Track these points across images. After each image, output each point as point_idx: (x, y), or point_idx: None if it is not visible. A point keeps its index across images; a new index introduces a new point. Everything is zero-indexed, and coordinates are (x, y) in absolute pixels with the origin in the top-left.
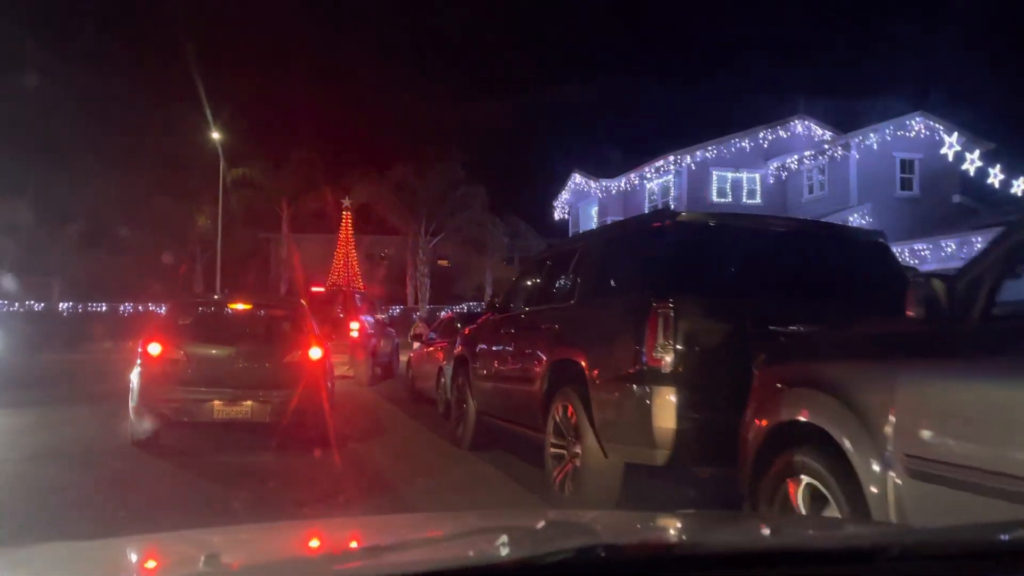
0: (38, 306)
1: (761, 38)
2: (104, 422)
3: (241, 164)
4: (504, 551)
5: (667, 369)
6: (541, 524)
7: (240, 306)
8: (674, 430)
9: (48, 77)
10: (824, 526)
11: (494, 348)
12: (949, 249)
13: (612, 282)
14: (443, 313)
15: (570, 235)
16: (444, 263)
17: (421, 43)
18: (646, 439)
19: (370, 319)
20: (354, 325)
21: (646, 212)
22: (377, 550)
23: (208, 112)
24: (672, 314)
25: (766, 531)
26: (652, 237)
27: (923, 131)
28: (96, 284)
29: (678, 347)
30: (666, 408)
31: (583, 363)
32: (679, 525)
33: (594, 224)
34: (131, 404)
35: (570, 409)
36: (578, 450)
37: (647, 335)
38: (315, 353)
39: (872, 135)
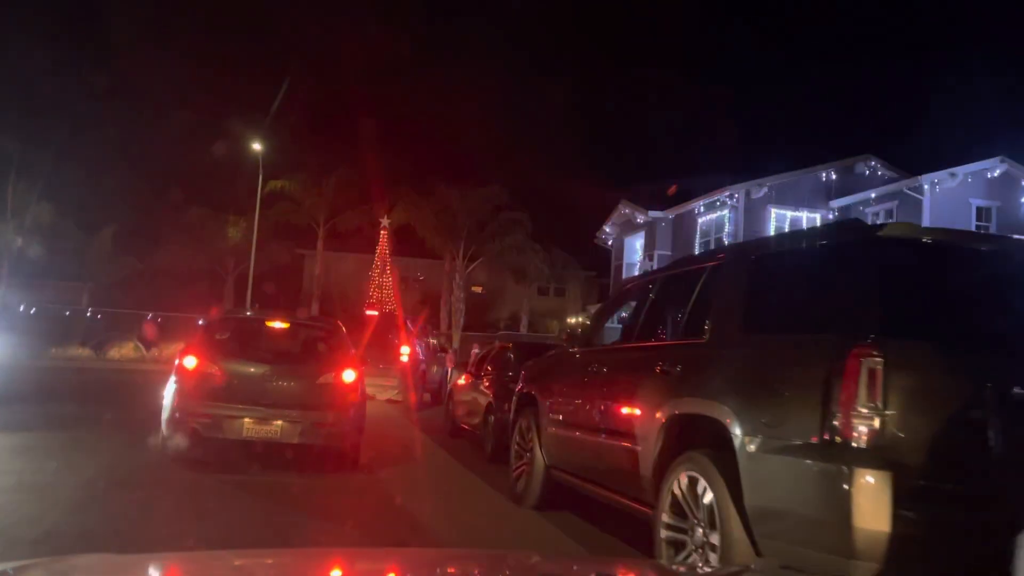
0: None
1: (827, 72)
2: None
3: (280, 177)
4: None
5: (872, 442)
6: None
7: (277, 324)
8: (887, 534)
9: (86, 82)
10: None
11: (576, 389)
12: None
13: (774, 315)
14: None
15: (613, 268)
16: (478, 289)
17: (474, 66)
18: (838, 544)
19: (421, 344)
20: (404, 349)
21: (831, 223)
22: None
23: (250, 123)
24: (882, 363)
25: None
26: (843, 257)
27: (1003, 177)
28: (127, 291)
29: (889, 411)
30: (877, 500)
31: (725, 421)
32: None
33: (639, 258)
34: (164, 416)
35: (700, 483)
36: (712, 539)
37: (842, 391)
38: (349, 376)
39: (949, 178)
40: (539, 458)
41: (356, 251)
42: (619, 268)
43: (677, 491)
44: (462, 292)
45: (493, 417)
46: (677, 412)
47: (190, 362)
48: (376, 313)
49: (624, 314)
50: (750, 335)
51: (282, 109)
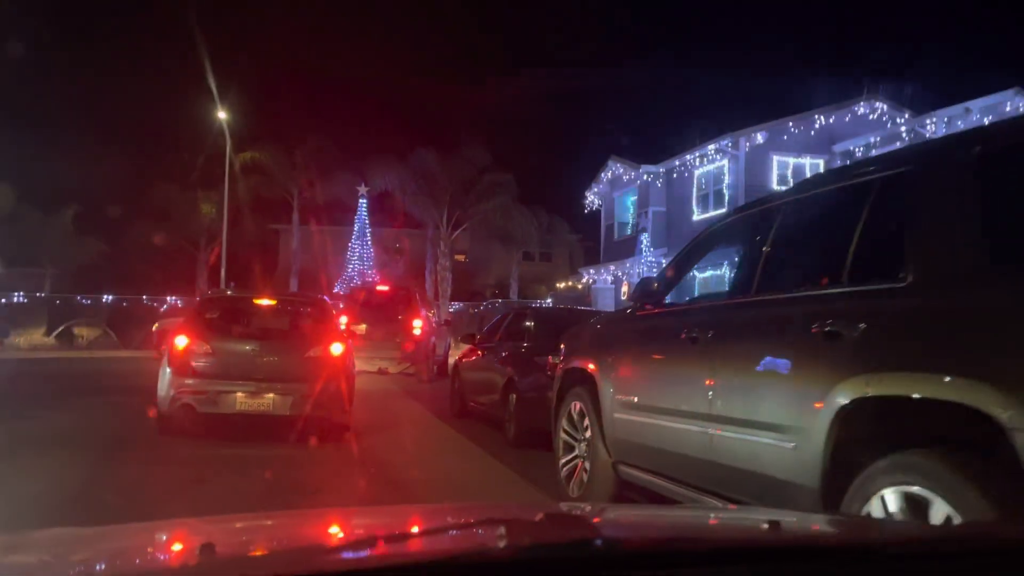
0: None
1: (822, 10)
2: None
3: (250, 149)
4: (501, 543)
5: None
6: (540, 517)
7: (265, 302)
8: None
9: (41, 50)
10: (827, 524)
11: (664, 363)
12: None
13: None
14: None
15: (604, 228)
16: (461, 258)
17: (446, 21)
18: None
19: (425, 316)
20: (416, 323)
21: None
22: (369, 540)
23: (215, 91)
24: None
25: (765, 526)
26: None
27: (1019, 110)
28: (91, 274)
29: None
30: None
31: (990, 410)
32: (679, 519)
33: (631, 217)
34: (159, 394)
35: (934, 505)
36: None
37: None
38: (336, 348)
39: (964, 113)
40: (601, 452)
41: (335, 224)
42: (610, 227)
43: (892, 505)
44: (448, 261)
45: (515, 396)
46: (871, 394)
47: (181, 341)
48: (387, 288)
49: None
50: (1000, 273)
51: (249, 77)
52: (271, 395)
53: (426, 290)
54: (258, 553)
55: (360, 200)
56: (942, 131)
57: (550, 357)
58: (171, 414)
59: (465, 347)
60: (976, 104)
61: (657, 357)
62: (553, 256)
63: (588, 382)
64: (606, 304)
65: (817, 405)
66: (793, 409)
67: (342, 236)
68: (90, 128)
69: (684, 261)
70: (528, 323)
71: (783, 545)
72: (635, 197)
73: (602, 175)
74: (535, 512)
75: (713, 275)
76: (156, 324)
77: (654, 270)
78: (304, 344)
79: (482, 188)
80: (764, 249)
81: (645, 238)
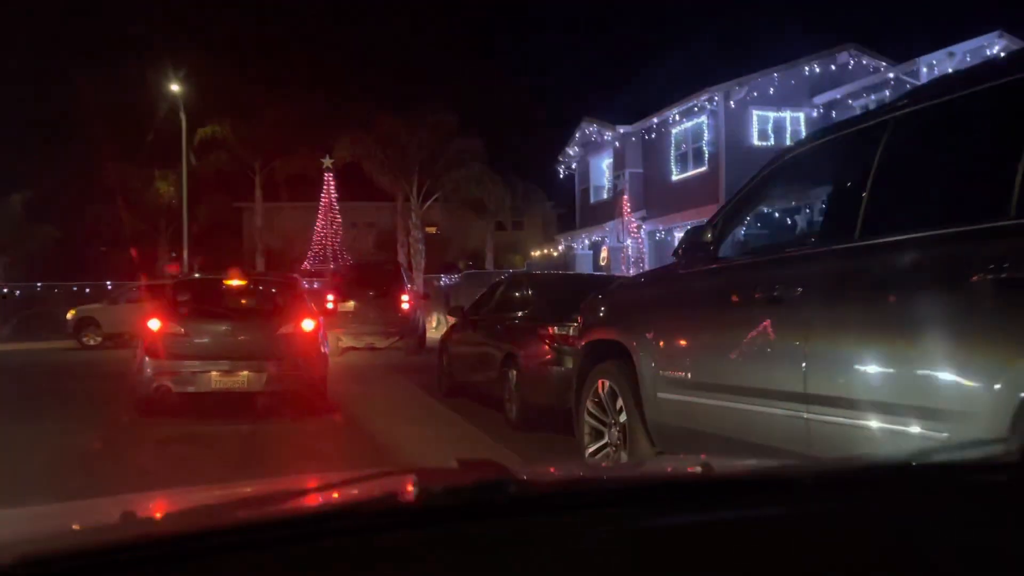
0: None
1: None
2: None
3: (208, 124)
4: (408, 491)
5: None
6: (454, 464)
7: (236, 282)
8: None
9: None
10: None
11: (730, 331)
12: None
13: None
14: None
15: (579, 192)
16: (432, 230)
17: None
18: None
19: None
20: (404, 297)
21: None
22: (271, 497)
23: (170, 64)
24: None
25: (699, 468)
26: None
27: (1003, 53)
28: (50, 262)
29: None
30: None
31: None
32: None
33: (607, 180)
34: (137, 377)
35: None
36: None
37: None
38: (307, 325)
39: (947, 58)
40: (642, 440)
41: (300, 199)
42: (585, 192)
43: None
44: (420, 232)
45: (516, 372)
46: None
47: (155, 324)
48: (373, 264)
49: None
50: None
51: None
52: (245, 372)
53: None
54: (158, 516)
55: (326, 173)
56: (924, 80)
57: (552, 327)
58: (148, 396)
59: (452, 321)
60: (959, 48)
61: (719, 323)
62: (526, 224)
63: (620, 356)
64: (583, 271)
65: (990, 383)
66: (946, 388)
67: (309, 212)
68: (36, 108)
69: (744, 204)
70: (525, 291)
71: (694, 481)
72: (611, 159)
73: (575, 138)
74: (449, 463)
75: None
76: (72, 312)
77: (634, 234)
78: (275, 322)
79: (452, 156)
80: (870, 178)
81: (625, 200)
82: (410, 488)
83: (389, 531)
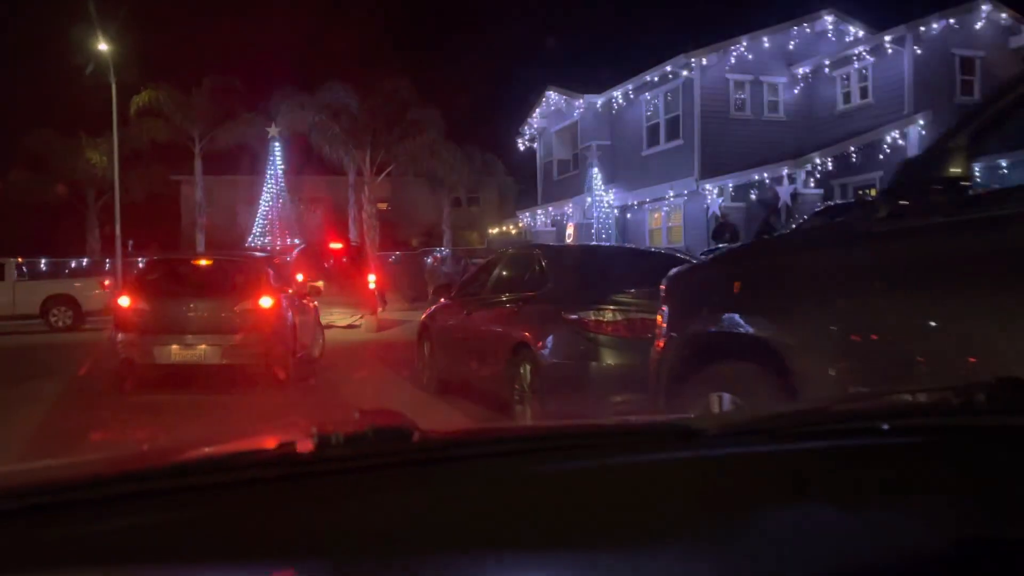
0: None
1: None
2: None
3: (143, 89)
4: (311, 442)
5: None
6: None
7: (202, 262)
8: None
9: None
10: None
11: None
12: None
13: None
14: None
15: (541, 166)
16: (383, 206)
17: None
18: None
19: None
20: (371, 277)
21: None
22: (176, 450)
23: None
24: None
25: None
26: None
27: (989, 23)
28: None
29: None
30: None
31: None
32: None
33: (572, 153)
34: (108, 349)
35: None
36: None
37: None
38: (265, 302)
39: (934, 26)
40: None
41: (244, 172)
42: (548, 165)
43: None
44: (374, 208)
45: (532, 366)
46: None
47: (124, 301)
48: (340, 246)
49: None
50: None
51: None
52: (203, 346)
53: (350, 241)
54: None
55: (272, 144)
56: (908, 46)
57: (585, 311)
58: (117, 367)
59: (437, 303)
60: (944, 16)
61: (997, 308)
62: (483, 200)
63: (755, 359)
64: None
65: None
66: None
67: (253, 186)
68: None
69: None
70: (538, 266)
71: (601, 431)
72: (577, 131)
73: (539, 108)
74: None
75: None
76: None
77: (605, 210)
78: (235, 299)
79: (407, 125)
80: None
81: (595, 173)
82: (310, 438)
83: (286, 481)
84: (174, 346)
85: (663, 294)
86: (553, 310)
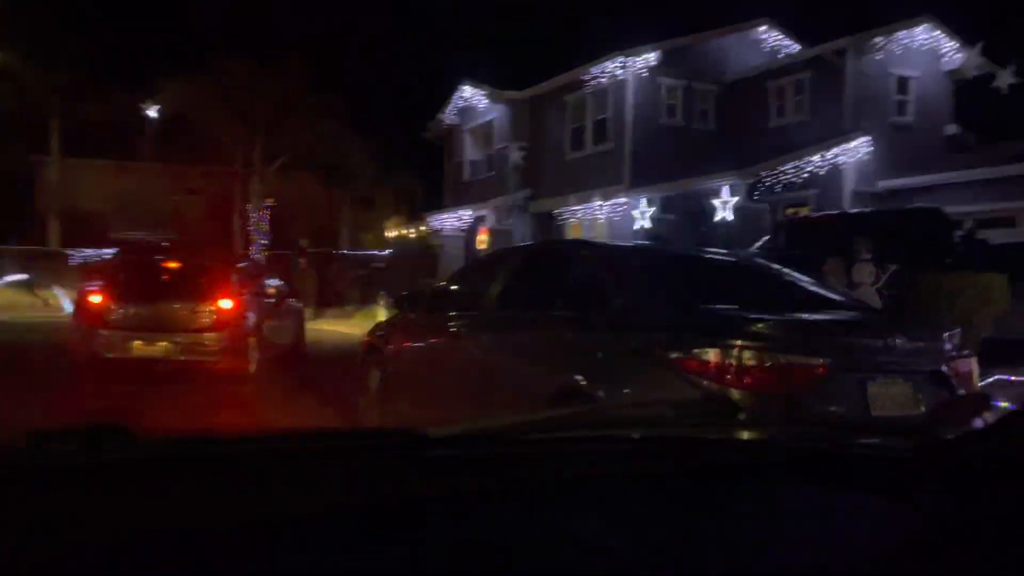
0: None
1: None
2: None
3: None
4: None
5: None
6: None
7: (171, 264)
8: None
9: None
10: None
11: None
12: None
13: None
14: None
15: (451, 167)
16: (271, 201)
17: None
18: None
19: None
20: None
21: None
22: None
23: None
24: None
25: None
26: None
27: (925, 44)
28: None
29: None
30: None
31: None
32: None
33: (486, 154)
34: (73, 344)
35: None
36: None
37: None
38: (225, 304)
39: (877, 41)
40: None
41: (114, 157)
42: (458, 166)
43: None
44: (264, 203)
45: None
46: None
47: (95, 299)
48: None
49: None
50: None
51: None
52: (164, 343)
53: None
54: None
55: (148, 124)
56: (851, 60)
57: (709, 353)
58: (80, 360)
59: (388, 322)
60: (886, 33)
61: None
62: (379, 202)
63: None
64: (453, 258)
65: None
66: None
67: (123, 172)
68: None
69: None
70: (590, 270)
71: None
72: (493, 130)
73: (451, 104)
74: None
75: None
76: None
77: (523, 215)
78: (196, 300)
79: (304, 113)
80: None
81: (514, 176)
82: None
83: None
84: (136, 342)
85: None
86: (641, 343)
